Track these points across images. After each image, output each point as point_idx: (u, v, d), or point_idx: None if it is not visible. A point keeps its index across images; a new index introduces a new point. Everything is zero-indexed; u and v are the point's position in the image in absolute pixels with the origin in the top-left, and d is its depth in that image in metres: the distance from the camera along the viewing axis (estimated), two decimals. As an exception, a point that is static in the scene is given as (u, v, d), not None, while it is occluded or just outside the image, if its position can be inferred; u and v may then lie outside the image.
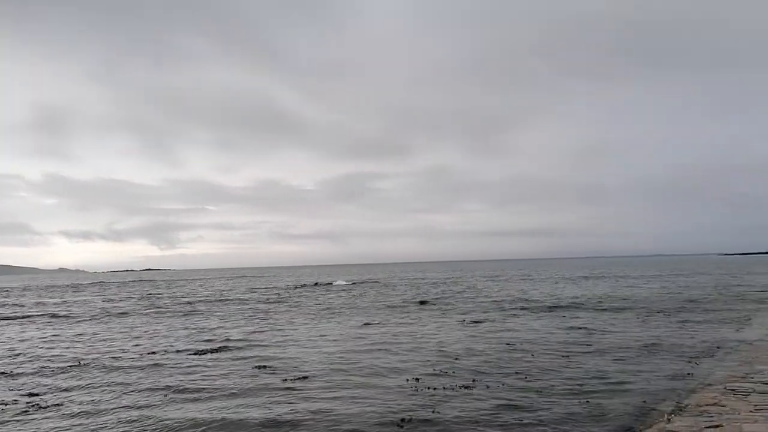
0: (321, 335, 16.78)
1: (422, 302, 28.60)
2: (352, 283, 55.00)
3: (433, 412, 7.99)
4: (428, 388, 9.42)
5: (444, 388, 9.39)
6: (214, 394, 9.50)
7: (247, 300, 34.79)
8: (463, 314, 21.96)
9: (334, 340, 15.60)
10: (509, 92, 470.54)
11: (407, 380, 10.08)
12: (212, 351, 14.23)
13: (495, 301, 28.11)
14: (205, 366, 12.15)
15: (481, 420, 7.63)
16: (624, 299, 26.88)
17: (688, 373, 9.84)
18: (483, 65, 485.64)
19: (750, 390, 7.97)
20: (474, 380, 9.93)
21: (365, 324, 19.39)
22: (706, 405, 7.41)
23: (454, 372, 10.75)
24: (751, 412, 6.84)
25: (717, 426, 6.33)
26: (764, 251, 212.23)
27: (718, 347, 12.61)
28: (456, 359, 12.09)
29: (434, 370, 10.95)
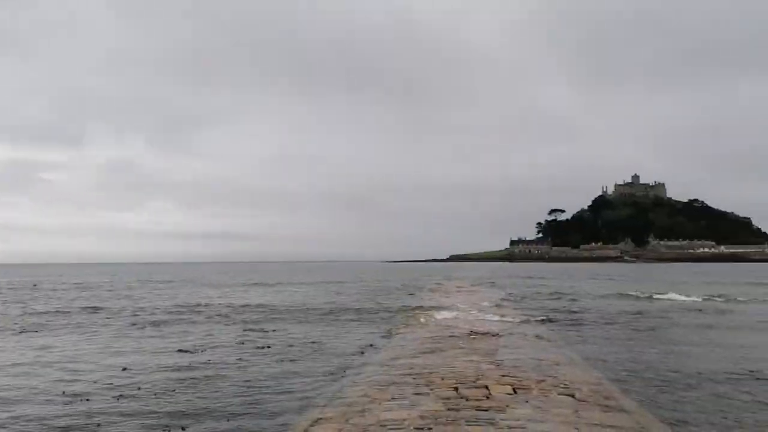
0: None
1: None
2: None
3: None
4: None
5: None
6: None
7: None
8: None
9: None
10: (207, 92, 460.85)
11: None
12: None
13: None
14: None
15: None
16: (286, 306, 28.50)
17: (345, 370, 10.80)
18: (181, 61, 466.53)
19: (390, 382, 9.06)
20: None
21: None
22: (356, 397, 8.19)
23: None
24: (388, 401, 7.77)
25: (361, 415, 7.05)
26: (423, 259, 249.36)
27: (371, 345, 14.20)
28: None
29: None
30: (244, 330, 17.44)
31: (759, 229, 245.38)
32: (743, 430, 7.25)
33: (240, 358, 12.36)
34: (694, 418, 7.79)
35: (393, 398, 7.93)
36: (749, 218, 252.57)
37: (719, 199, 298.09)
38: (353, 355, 12.83)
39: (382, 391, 8.48)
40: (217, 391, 9.37)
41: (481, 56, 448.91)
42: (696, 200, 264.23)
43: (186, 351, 13.46)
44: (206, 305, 27.05)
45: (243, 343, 14.65)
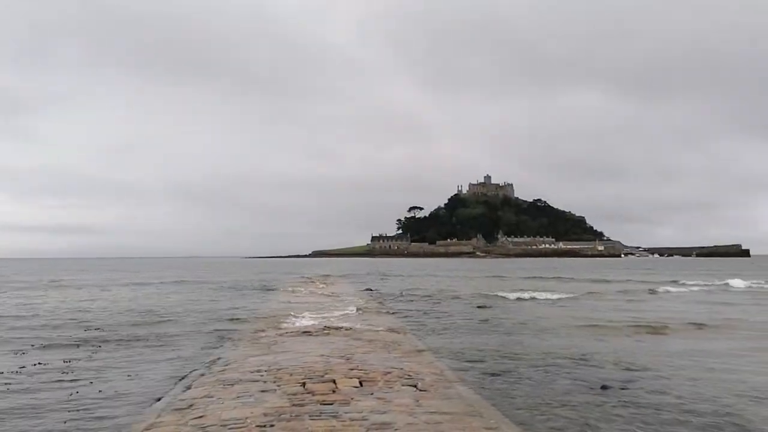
0: None
1: None
2: None
3: None
4: None
5: None
6: None
7: None
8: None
9: None
10: (42, 73, 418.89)
11: None
12: None
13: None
14: None
15: None
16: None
17: (192, 371, 10.38)
18: (17, 41, 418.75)
19: (237, 380, 8.87)
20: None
21: None
22: (198, 398, 7.92)
23: None
24: (233, 399, 7.61)
25: (201, 417, 6.83)
26: (285, 255, 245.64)
27: (223, 337, 13.82)
28: None
29: None
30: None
31: (591, 227, 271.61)
32: (560, 407, 8.00)
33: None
34: (523, 401, 8.46)
35: (238, 396, 7.79)
36: (583, 217, 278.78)
37: (559, 200, 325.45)
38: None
39: (226, 389, 8.29)
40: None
41: (337, 54, 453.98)
42: (539, 200, 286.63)
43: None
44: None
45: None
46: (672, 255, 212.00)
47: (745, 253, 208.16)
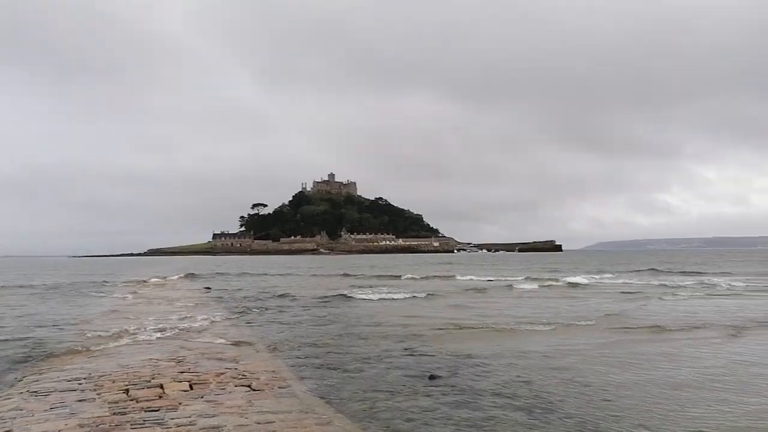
0: None
1: None
2: None
3: None
4: None
5: None
6: None
7: None
8: None
9: None
10: None
11: None
12: None
13: None
14: None
15: None
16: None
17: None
18: None
19: (51, 390, 8.13)
20: None
21: None
22: (4, 411, 7.15)
23: None
24: (45, 411, 6.97)
25: (8, 431, 6.18)
26: (118, 254, 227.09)
27: (36, 347, 12.54)
28: None
29: None
30: None
31: (428, 224, 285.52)
32: (391, 398, 8.34)
33: None
34: (356, 395, 8.69)
35: (51, 408, 7.14)
36: (421, 215, 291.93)
37: (398, 198, 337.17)
38: None
39: (39, 400, 7.56)
40: None
41: (173, 45, 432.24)
42: (381, 198, 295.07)
43: None
44: None
45: None
46: (498, 250, 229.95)
47: (558, 248, 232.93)
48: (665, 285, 33.60)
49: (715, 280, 37.54)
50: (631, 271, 52.34)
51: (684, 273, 48.68)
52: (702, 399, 8.40)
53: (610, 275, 45.22)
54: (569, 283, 36.32)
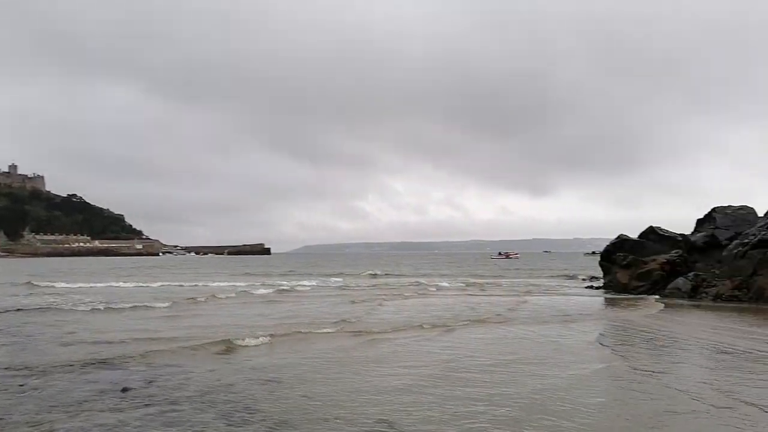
0: None
1: None
2: None
3: None
4: None
5: None
6: None
7: None
8: None
9: None
10: None
11: None
12: None
13: None
14: None
15: None
16: None
17: None
18: None
19: None
20: None
21: None
22: None
23: None
24: None
25: None
26: None
27: None
28: None
29: None
30: None
31: (130, 225, 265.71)
32: (74, 416, 7.44)
33: None
34: (31, 415, 7.55)
35: None
36: (122, 215, 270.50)
37: (96, 196, 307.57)
38: None
39: None
40: None
41: None
42: (75, 195, 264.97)
43: None
44: None
45: None
46: (207, 253, 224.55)
47: (267, 251, 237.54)
48: (389, 286, 36.93)
49: (426, 280, 42.80)
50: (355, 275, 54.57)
51: (403, 275, 53.59)
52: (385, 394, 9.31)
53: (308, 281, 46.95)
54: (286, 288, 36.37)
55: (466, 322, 17.71)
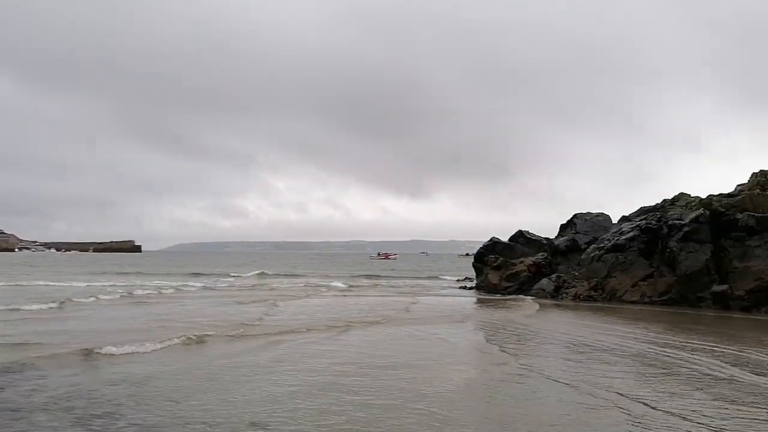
0: None
1: None
2: None
3: None
4: None
5: None
6: None
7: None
8: None
9: None
10: None
11: None
12: None
13: None
14: None
15: None
16: None
17: None
18: None
19: None
20: None
21: None
22: None
23: None
24: None
25: None
26: None
27: None
28: None
29: None
30: None
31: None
32: None
33: None
34: None
35: None
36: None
37: None
38: None
39: None
40: None
41: None
42: None
43: None
44: None
45: None
46: (70, 250, 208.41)
47: (138, 249, 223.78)
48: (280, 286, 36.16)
49: (315, 281, 42.63)
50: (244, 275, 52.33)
51: (290, 275, 52.54)
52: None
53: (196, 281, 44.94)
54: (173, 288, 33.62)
55: (362, 324, 17.80)
